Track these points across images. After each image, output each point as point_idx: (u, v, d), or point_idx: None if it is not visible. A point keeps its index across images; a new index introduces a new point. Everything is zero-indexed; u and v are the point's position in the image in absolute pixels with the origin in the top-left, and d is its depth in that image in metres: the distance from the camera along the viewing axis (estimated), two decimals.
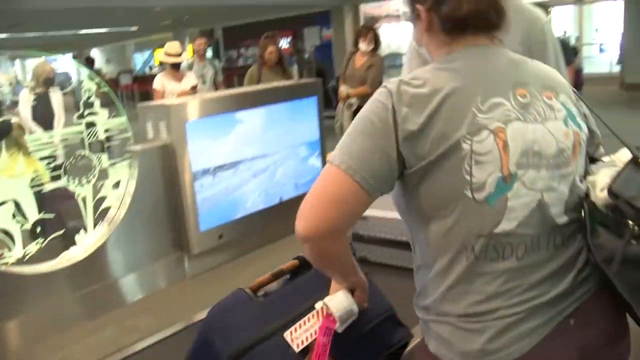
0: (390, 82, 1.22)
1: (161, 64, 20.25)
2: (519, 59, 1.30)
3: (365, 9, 19.41)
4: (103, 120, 3.23)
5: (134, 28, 20.48)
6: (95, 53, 28.13)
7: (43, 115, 5.28)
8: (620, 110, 11.11)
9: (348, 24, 18.86)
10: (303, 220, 1.21)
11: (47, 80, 5.30)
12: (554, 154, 1.22)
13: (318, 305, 1.44)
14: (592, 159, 1.37)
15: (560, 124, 1.25)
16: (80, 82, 3.11)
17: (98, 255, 3.15)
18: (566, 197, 1.24)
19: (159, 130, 3.40)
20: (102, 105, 3.27)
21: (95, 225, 3.25)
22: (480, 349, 1.19)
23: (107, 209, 3.28)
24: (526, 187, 1.19)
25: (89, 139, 3.18)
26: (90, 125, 3.17)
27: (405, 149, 1.18)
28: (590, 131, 1.37)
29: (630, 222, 1.14)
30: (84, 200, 3.19)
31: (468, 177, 1.16)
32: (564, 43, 9.25)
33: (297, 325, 1.45)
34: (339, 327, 1.40)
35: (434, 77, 1.20)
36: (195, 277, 3.57)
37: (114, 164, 3.29)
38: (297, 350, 1.41)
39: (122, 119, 3.34)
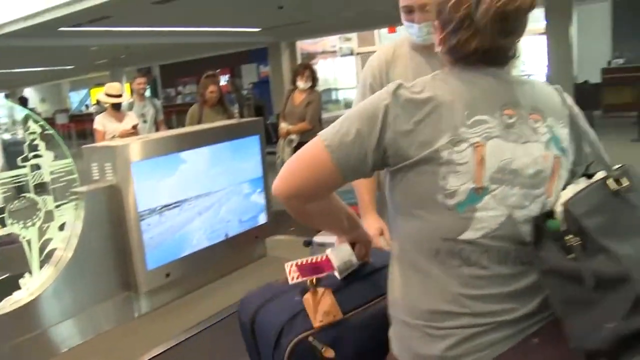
0: (391, 83, 1.30)
1: (98, 102, 20.04)
2: (515, 80, 1.35)
3: (302, 46, 19.79)
4: (48, 162, 3.25)
5: (69, 67, 20.18)
6: (29, 92, 27.52)
7: None
8: None
9: (285, 61, 19.16)
10: (277, 180, 1.31)
11: None
12: (531, 175, 1.26)
13: (326, 252, 1.54)
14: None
15: (541, 147, 1.28)
16: (13, 123, 3.12)
17: (44, 298, 3.15)
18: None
19: (104, 171, 3.46)
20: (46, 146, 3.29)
21: (41, 267, 3.25)
22: (439, 355, 1.23)
23: (53, 251, 3.29)
24: (496, 202, 1.24)
25: (34, 181, 3.19)
26: (35, 167, 3.19)
27: (391, 147, 1.26)
28: (583, 154, 1.38)
29: (571, 237, 1.17)
30: (29, 242, 3.19)
31: (442, 183, 1.23)
32: None
33: (299, 261, 1.53)
34: (337, 275, 1.53)
35: (432, 86, 1.28)
36: (143, 316, 3.60)
37: (60, 205, 3.31)
38: (290, 282, 1.49)
39: (68, 161, 3.38)
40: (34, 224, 3.21)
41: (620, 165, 1.23)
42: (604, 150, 1.30)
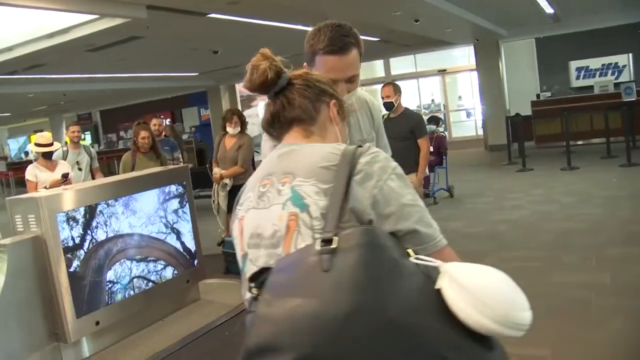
0: None
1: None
2: (291, 150, 1.43)
3: (241, 88, 20.02)
4: None
5: (6, 114, 19.81)
6: None
7: None
8: (483, 168, 12.40)
9: (225, 104, 19.34)
10: None
11: None
12: (270, 235, 1.35)
13: None
14: None
15: (279, 208, 1.34)
16: None
17: None
18: None
19: (28, 223, 3.48)
20: None
21: None
22: None
23: None
24: (252, 264, 1.38)
25: None
26: None
27: None
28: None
29: (255, 291, 1.21)
30: None
31: None
32: (435, 117, 10.06)
33: None
34: None
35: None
36: None
37: None
38: None
39: None
40: None
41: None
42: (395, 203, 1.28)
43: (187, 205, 4.41)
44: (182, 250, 4.34)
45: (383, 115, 5.75)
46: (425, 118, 8.97)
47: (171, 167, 5.25)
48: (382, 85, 5.89)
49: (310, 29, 1.96)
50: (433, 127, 9.35)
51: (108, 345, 3.83)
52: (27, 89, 12.62)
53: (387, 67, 19.02)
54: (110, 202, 3.82)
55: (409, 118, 5.68)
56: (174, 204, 4.31)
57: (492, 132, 15.03)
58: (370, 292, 1.09)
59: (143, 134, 6.23)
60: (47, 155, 6.09)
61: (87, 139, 23.83)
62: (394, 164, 1.35)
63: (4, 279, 3.29)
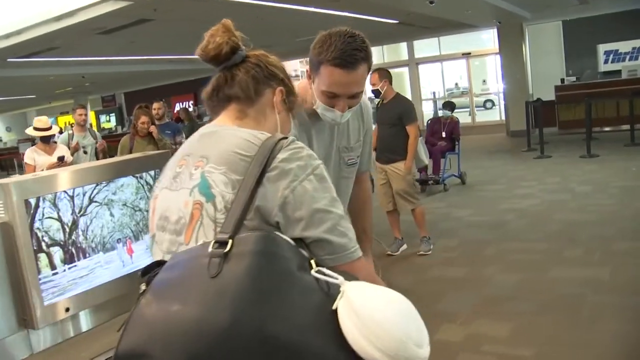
0: None
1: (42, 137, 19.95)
2: (213, 132, 1.34)
3: None
4: None
5: (31, 96, 20.10)
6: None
7: None
8: (501, 155, 12.02)
9: None
10: None
11: None
12: (175, 221, 1.26)
13: None
14: None
15: (186, 193, 1.25)
16: None
17: None
18: None
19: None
20: None
21: None
22: None
23: None
24: (158, 247, 1.32)
25: None
26: None
27: None
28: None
29: (143, 287, 1.16)
30: None
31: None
32: (449, 102, 9.85)
33: None
34: None
35: None
36: (41, 353, 3.57)
37: None
38: None
39: None
40: None
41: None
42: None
43: None
44: None
45: (377, 104, 5.64)
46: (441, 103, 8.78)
47: (153, 152, 5.16)
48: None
49: (321, 10, 1.82)
50: (448, 112, 9.10)
51: (78, 333, 3.78)
52: (47, 71, 12.71)
53: (410, 50, 18.70)
54: (86, 187, 3.76)
55: (398, 104, 5.53)
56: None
57: (513, 118, 14.67)
58: (251, 305, 1.02)
59: (143, 118, 6.18)
60: (46, 139, 6.11)
61: (112, 120, 24.11)
62: (317, 162, 1.24)
63: None
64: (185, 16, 8.93)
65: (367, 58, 1.77)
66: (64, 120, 25.82)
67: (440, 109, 9.37)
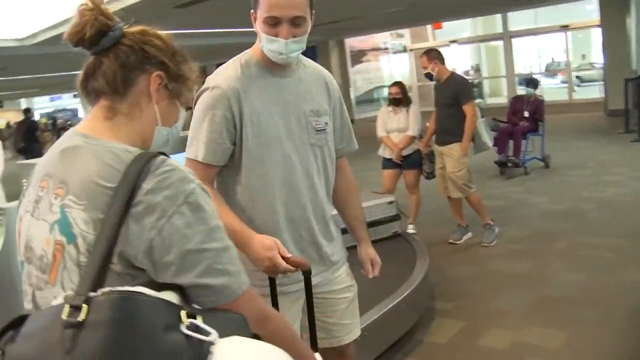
0: None
1: None
2: (75, 147, 1.14)
3: (351, 43, 19.60)
4: None
5: None
6: None
7: None
8: (594, 136, 11.06)
9: (334, 59, 19.06)
10: None
11: None
12: (39, 257, 1.11)
13: None
14: None
15: (47, 229, 1.09)
16: None
17: None
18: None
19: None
20: None
21: None
22: None
23: None
24: (27, 279, 1.15)
25: None
26: None
27: None
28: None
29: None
30: None
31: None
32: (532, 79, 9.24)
33: None
34: None
35: None
36: None
37: None
38: None
39: None
40: None
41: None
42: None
43: None
44: None
45: (434, 86, 5.36)
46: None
47: None
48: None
49: None
50: (531, 90, 8.50)
51: None
52: None
53: (504, 22, 17.75)
54: None
55: (453, 84, 5.16)
56: None
57: (613, 96, 13.57)
58: None
59: None
60: None
61: None
62: (190, 186, 1.06)
63: (2, 241, 3.29)
64: None
65: None
66: None
67: (520, 85, 8.76)
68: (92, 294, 0.95)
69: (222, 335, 0.96)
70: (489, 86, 20.53)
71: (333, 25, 14.93)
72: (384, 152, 5.70)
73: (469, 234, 5.48)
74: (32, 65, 13.84)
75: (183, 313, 0.96)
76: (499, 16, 17.71)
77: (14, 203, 3.43)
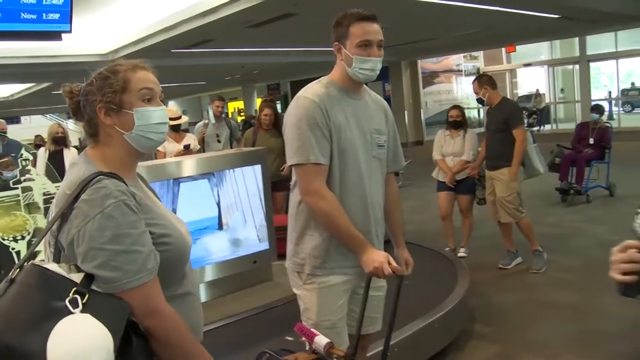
0: None
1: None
2: (75, 163, 1.57)
3: (424, 64, 19.62)
4: (39, 184, 3.62)
5: (202, 83, 21.62)
6: (172, 104, 29.98)
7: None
8: None
9: (406, 79, 19.12)
10: None
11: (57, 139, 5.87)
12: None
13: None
14: None
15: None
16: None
17: None
18: None
19: None
20: None
21: None
22: None
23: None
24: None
25: (25, 201, 3.57)
26: (26, 189, 3.56)
27: None
28: None
29: None
30: (18, 254, 3.57)
31: None
32: (598, 105, 9.06)
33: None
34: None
35: None
36: None
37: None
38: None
39: (54, 185, 3.74)
40: (23, 238, 3.58)
41: None
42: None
43: (261, 188, 4.43)
44: (249, 232, 4.39)
45: (486, 111, 5.43)
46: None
47: (248, 149, 5.30)
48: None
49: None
50: (596, 116, 8.32)
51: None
52: (209, 60, 13.49)
53: (582, 46, 17.35)
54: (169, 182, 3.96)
55: (504, 108, 5.19)
56: (247, 185, 4.35)
57: None
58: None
59: (266, 110, 6.39)
60: (175, 128, 6.52)
61: (277, 108, 25.16)
62: (109, 201, 1.39)
63: None
64: (328, 10, 9.07)
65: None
66: (233, 105, 27.45)
67: (590, 113, 8.56)
68: (26, 264, 1.38)
69: (101, 311, 1.31)
70: (564, 112, 20.07)
71: (406, 46, 15.07)
72: (438, 175, 5.79)
73: (519, 259, 5.46)
74: None
75: (73, 290, 1.32)
76: (575, 40, 17.36)
77: None
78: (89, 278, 1.36)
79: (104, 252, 1.36)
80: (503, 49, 19.53)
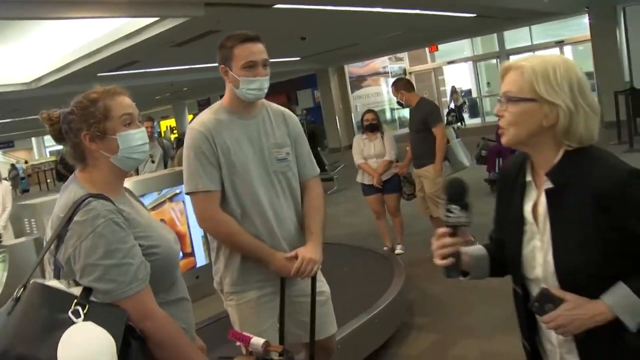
0: None
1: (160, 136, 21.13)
2: (65, 187, 1.69)
3: (351, 69, 19.99)
4: None
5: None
6: None
7: None
8: None
9: (334, 86, 19.44)
10: None
11: None
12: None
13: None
14: None
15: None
16: None
17: None
18: None
19: (32, 226, 3.78)
20: None
21: None
22: None
23: None
24: None
25: None
26: None
27: None
28: None
29: None
30: None
31: None
32: None
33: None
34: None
35: None
36: None
37: None
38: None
39: None
40: None
41: None
42: None
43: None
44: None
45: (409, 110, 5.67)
46: None
47: (178, 168, 5.35)
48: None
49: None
50: None
51: None
52: (137, 82, 13.36)
53: (500, 41, 18.11)
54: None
55: (422, 109, 5.51)
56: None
57: (607, 108, 13.79)
58: (12, 337, 1.44)
59: None
60: None
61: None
62: (99, 221, 1.55)
63: (5, 274, 3.61)
64: (250, 26, 9.18)
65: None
66: (165, 123, 27.16)
67: None
68: (29, 282, 1.52)
69: (101, 319, 1.45)
70: (491, 105, 20.81)
71: (332, 53, 15.37)
72: (364, 179, 5.97)
73: None
74: (39, 105, 14.28)
75: (74, 302, 1.46)
76: (493, 36, 18.08)
77: (16, 241, 3.76)
78: (88, 291, 1.51)
79: (98, 267, 1.52)
80: (427, 49, 20.13)
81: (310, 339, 2.25)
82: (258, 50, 2.27)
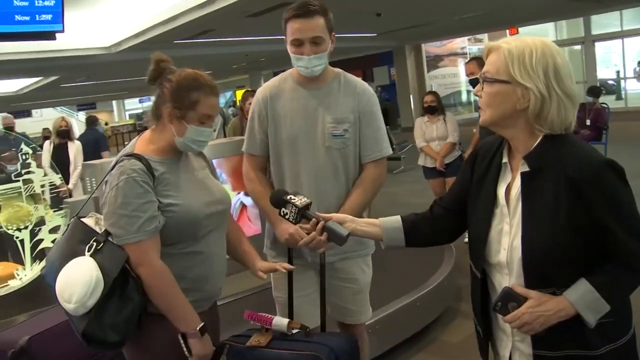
0: None
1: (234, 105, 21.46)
2: (125, 148, 2.00)
3: (428, 48, 19.62)
4: (38, 177, 3.82)
5: (208, 72, 21.69)
6: None
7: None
8: None
9: (410, 64, 19.14)
10: None
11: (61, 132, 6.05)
12: None
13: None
14: None
15: None
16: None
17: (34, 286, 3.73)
18: None
19: (93, 185, 3.95)
20: None
21: (33, 262, 3.84)
22: None
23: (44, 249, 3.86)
24: None
25: (27, 193, 3.77)
26: (27, 182, 3.77)
27: None
28: None
29: None
30: (22, 242, 3.79)
31: None
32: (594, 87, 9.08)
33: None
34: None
35: None
36: None
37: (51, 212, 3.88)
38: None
39: (58, 176, 3.94)
40: (26, 227, 3.79)
41: None
42: None
43: None
44: None
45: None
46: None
47: (235, 138, 5.43)
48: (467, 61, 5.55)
49: None
50: (590, 98, 8.41)
51: None
52: (212, 50, 13.63)
53: (587, 26, 17.30)
54: None
55: None
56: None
57: None
58: (53, 253, 1.90)
59: (250, 100, 6.52)
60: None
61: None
62: (123, 177, 1.80)
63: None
64: None
65: (322, 12, 2.22)
66: (240, 93, 27.51)
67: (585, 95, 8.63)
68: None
69: (107, 256, 1.77)
70: None
71: (408, 30, 15.10)
72: (426, 162, 5.91)
73: None
74: (119, 70, 14.83)
75: (94, 238, 1.80)
76: (579, 20, 17.30)
77: (76, 198, 3.94)
78: (107, 231, 1.81)
79: (114, 215, 1.79)
80: (507, 32, 19.48)
81: (321, 308, 2.22)
82: (306, 28, 2.18)
